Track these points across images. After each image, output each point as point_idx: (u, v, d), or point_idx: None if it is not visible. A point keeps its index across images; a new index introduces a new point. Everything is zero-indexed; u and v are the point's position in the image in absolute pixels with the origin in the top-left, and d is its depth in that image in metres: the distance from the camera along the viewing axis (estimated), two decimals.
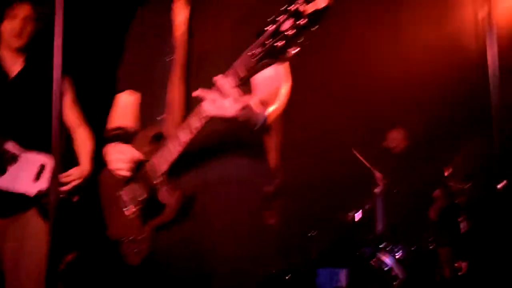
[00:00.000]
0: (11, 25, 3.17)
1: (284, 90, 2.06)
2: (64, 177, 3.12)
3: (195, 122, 1.84)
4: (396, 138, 5.04)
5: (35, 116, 3.16)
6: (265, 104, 1.94)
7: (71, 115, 3.35)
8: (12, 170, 3.13)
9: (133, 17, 2.35)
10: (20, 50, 3.23)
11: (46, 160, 3.13)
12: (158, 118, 2.07)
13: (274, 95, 2.02)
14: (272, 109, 1.97)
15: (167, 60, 2.10)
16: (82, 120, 3.35)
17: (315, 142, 5.10)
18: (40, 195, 3.09)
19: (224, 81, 1.72)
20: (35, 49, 3.27)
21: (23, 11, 3.18)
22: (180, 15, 2.14)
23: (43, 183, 3.11)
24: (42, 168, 3.14)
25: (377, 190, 4.53)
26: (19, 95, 3.21)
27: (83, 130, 3.32)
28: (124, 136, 2.11)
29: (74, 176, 3.17)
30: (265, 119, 1.91)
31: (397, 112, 5.12)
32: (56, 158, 2.01)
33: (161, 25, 2.18)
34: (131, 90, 2.29)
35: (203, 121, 1.82)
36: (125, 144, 2.07)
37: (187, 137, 1.88)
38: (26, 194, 3.08)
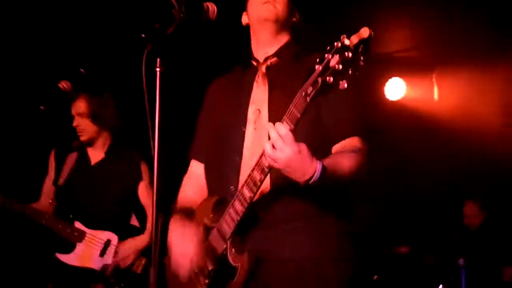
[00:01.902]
0: (75, 122, 3.48)
1: (356, 159, 1.97)
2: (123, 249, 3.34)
3: (257, 175, 1.83)
4: (471, 213, 4.92)
5: (104, 199, 3.46)
6: (330, 164, 1.85)
7: (147, 197, 3.54)
8: (80, 247, 3.39)
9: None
10: (92, 142, 3.52)
11: (110, 237, 3.39)
12: (232, 187, 2.06)
13: (345, 159, 1.94)
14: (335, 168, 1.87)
15: (243, 129, 2.13)
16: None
17: None
18: (105, 269, 3.30)
19: (281, 127, 1.72)
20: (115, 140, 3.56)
21: (77, 108, 3.49)
22: (258, 90, 2.19)
23: (108, 259, 3.34)
24: (107, 244, 3.37)
25: (460, 262, 4.42)
26: (96, 181, 3.50)
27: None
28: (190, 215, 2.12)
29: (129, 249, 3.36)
30: (323, 171, 1.78)
31: (471, 183, 5.00)
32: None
33: (237, 95, 2.23)
34: (201, 160, 2.32)
35: (265, 172, 1.82)
36: (190, 235, 2.04)
37: (251, 193, 1.86)
38: (93, 269, 3.31)
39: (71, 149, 3.60)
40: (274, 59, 2.23)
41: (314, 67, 1.65)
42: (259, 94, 2.17)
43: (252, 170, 1.86)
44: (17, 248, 4.42)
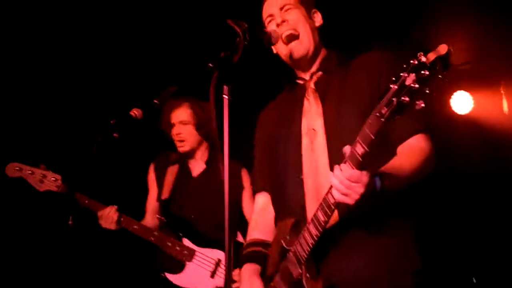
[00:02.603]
0: (176, 130, 3.45)
1: (422, 160, 1.98)
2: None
3: (331, 198, 1.82)
4: None
5: (210, 213, 3.31)
6: (394, 170, 1.87)
7: (250, 208, 3.25)
8: (189, 266, 3.24)
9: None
10: (192, 153, 3.46)
11: (221, 256, 3.22)
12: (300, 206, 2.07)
13: (409, 162, 1.95)
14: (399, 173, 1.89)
15: (299, 149, 2.14)
16: None
17: None
18: None
19: (344, 171, 1.72)
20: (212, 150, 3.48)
21: (180, 115, 3.45)
22: (310, 108, 2.19)
23: (219, 280, 3.17)
24: (217, 264, 3.22)
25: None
26: (200, 194, 3.41)
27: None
28: (260, 256, 2.17)
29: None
30: (382, 177, 1.82)
31: None
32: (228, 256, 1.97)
33: (289, 117, 2.25)
34: (265, 190, 2.35)
35: (332, 208, 1.82)
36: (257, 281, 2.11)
37: (325, 217, 1.86)
38: None
39: (171, 162, 3.53)
40: (319, 73, 2.25)
41: (389, 86, 1.59)
42: (312, 112, 2.17)
43: (327, 194, 1.84)
44: (124, 266, 4.39)
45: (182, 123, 3.44)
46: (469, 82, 5.23)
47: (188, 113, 3.45)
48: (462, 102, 5.24)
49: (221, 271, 3.18)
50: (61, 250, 4.42)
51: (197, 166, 3.50)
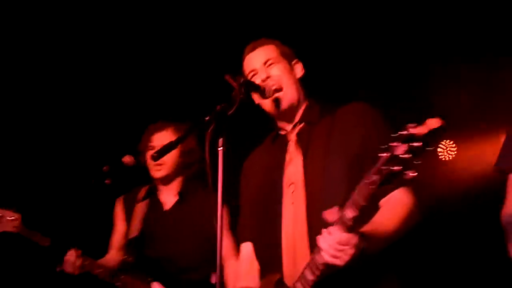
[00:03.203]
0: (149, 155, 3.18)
1: (407, 212, 2.01)
2: None
3: (314, 271, 1.88)
4: None
5: (184, 252, 3.14)
6: (376, 227, 1.92)
7: (225, 246, 3.05)
8: None
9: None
10: (168, 181, 3.25)
11: None
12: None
13: (393, 217, 1.99)
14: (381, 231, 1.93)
15: (279, 206, 2.18)
16: (235, 250, 2.99)
17: None
18: None
19: (333, 235, 1.76)
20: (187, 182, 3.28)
21: (162, 138, 3.16)
22: (291, 163, 2.22)
23: None
24: None
25: None
26: (172, 230, 3.19)
27: (233, 262, 2.97)
28: None
29: None
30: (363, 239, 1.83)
31: None
32: None
33: (271, 172, 2.28)
34: (248, 240, 2.36)
35: (320, 268, 1.86)
36: None
37: (313, 276, 1.89)
38: None
39: (141, 199, 3.31)
40: (302, 124, 2.27)
41: (378, 157, 1.61)
42: (293, 167, 2.20)
43: (314, 254, 1.87)
44: None
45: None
46: (455, 129, 5.32)
47: (171, 137, 3.15)
48: (447, 149, 5.32)
49: None
50: None
51: (169, 197, 3.28)
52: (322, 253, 1.80)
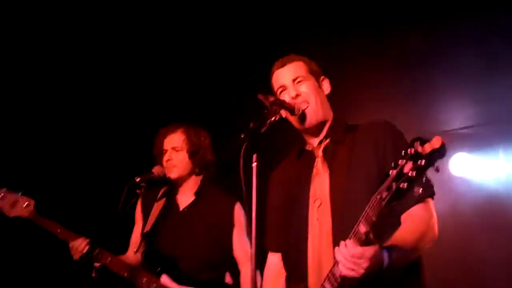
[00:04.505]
0: (167, 156, 3.27)
1: (427, 227, 2.09)
2: None
3: (337, 271, 1.94)
4: None
5: (195, 250, 3.17)
6: (400, 242, 1.98)
7: (240, 249, 3.21)
8: None
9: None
10: (183, 181, 3.30)
11: None
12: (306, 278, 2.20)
13: (415, 231, 2.06)
14: (405, 245, 2.00)
15: (306, 221, 2.26)
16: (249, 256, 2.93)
17: None
18: None
19: (348, 243, 1.85)
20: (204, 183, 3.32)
21: (173, 141, 3.30)
22: (318, 179, 2.30)
23: None
24: None
25: None
26: (185, 229, 3.24)
27: (249, 266, 3.05)
28: None
29: None
30: (389, 255, 1.93)
31: None
32: None
33: (297, 186, 2.35)
34: (275, 250, 2.45)
35: (338, 281, 1.94)
36: None
37: None
38: None
39: (159, 197, 3.37)
40: (327, 140, 2.33)
41: (388, 173, 1.75)
42: (319, 183, 2.27)
43: (333, 266, 1.96)
44: None
45: (175, 150, 3.27)
46: (468, 144, 5.32)
47: (182, 139, 3.29)
48: (460, 164, 5.35)
49: None
50: None
51: (185, 198, 3.33)
52: (339, 266, 1.87)
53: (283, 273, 2.40)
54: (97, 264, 3.12)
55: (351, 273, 1.84)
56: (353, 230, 1.88)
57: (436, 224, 2.12)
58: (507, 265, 4.79)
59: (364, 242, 1.86)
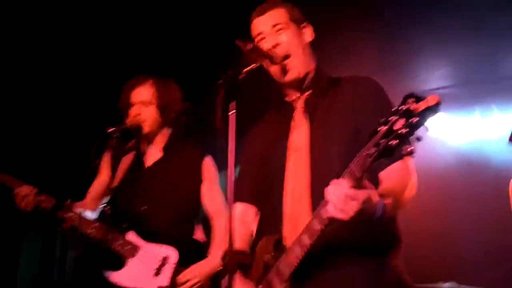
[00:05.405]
0: (135, 111, 3.14)
1: (408, 184, 2.04)
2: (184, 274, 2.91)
3: (316, 225, 1.88)
4: None
5: (162, 205, 3.06)
6: (386, 196, 1.93)
7: (211, 203, 3.12)
8: (131, 263, 2.93)
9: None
10: (152, 137, 3.18)
11: (169, 253, 2.92)
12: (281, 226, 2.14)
13: (398, 187, 2.01)
14: (392, 199, 1.95)
15: (283, 174, 2.19)
16: (223, 208, 3.04)
17: None
18: None
19: (341, 182, 1.77)
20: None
21: (141, 94, 3.14)
22: (299, 128, 2.24)
23: (164, 279, 2.87)
24: (164, 261, 2.91)
25: None
26: (153, 184, 3.11)
27: (223, 220, 2.97)
28: (243, 265, 2.19)
29: (192, 273, 2.91)
30: (384, 208, 1.88)
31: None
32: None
33: (277, 136, 2.29)
34: (247, 203, 2.39)
35: (324, 223, 1.86)
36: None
37: (309, 240, 1.91)
38: None
39: (127, 150, 3.27)
40: (309, 92, 2.28)
41: (377, 130, 1.67)
42: (299, 133, 2.22)
43: (312, 219, 1.90)
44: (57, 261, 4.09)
45: (143, 104, 3.13)
46: (445, 105, 5.32)
47: (151, 92, 3.13)
48: (436, 124, 5.32)
49: (167, 270, 2.87)
50: None
51: (154, 153, 3.20)
52: (329, 206, 1.78)
53: (247, 225, 2.34)
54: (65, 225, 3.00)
55: (340, 215, 1.75)
56: (347, 171, 1.79)
57: (416, 182, 2.08)
58: (477, 225, 4.87)
59: (358, 181, 1.78)
